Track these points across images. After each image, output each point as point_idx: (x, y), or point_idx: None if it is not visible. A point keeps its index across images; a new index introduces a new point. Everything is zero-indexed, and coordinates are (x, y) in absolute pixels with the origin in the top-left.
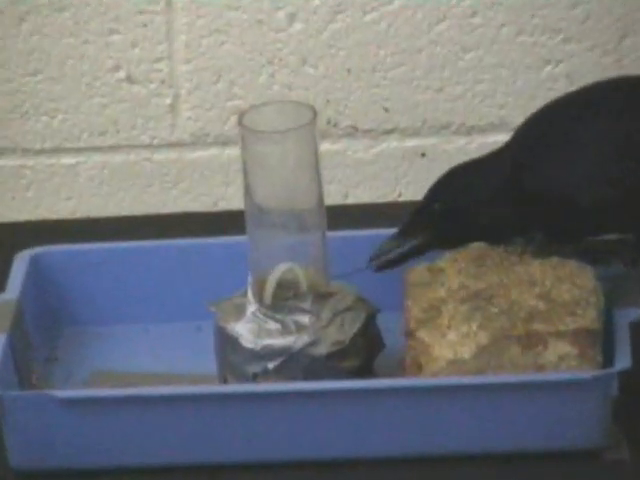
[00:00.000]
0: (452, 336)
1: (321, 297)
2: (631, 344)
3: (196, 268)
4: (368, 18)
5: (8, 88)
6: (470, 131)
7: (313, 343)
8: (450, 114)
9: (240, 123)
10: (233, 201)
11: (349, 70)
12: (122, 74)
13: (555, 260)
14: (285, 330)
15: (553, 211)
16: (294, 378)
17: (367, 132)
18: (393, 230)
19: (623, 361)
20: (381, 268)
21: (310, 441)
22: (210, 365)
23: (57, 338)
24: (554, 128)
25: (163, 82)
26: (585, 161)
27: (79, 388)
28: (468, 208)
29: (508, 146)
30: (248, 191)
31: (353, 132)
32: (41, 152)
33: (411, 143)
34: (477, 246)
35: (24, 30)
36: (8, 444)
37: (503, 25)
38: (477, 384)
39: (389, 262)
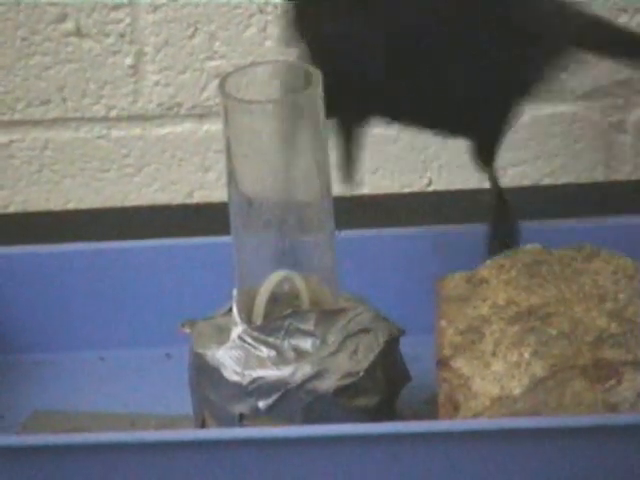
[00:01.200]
0: (498, 366)
1: (328, 315)
2: None
3: (165, 278)
4: None
5: None
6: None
7: (317, 375)
8: None
9: (222, 90)
10: (213, 191)
11: None
12: (70, 25)
13: (631, 267)
14: (281, 358)
15: None
16: (292, 420)
17: None
18: (420, 229)
19: None
20: None
21: None
22: (183, 403)
23: None
24: None
25: (123, 36)
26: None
27: (13, 433)
28: None
29: None
30: (233, 178)
31: None
32: None
33: None
34: (530, 250)
35: None
36: None
37: None
38: (530, 428)
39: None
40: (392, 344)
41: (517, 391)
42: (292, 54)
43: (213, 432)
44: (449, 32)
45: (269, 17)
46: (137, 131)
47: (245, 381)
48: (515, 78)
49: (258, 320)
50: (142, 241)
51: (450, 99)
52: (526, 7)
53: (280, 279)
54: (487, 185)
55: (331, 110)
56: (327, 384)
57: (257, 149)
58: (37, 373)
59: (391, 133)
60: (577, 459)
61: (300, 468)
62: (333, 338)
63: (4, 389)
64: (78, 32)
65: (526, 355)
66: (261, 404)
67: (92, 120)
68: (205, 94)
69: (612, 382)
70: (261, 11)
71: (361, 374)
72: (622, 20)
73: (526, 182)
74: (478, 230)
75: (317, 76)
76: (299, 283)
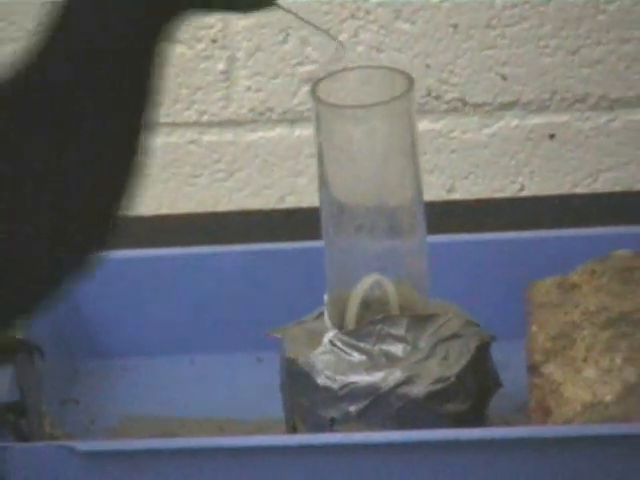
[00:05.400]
0: (590, 372)
1: (419, 320)
2: None
3: (256, 282)
4: None
5: (14, 49)
6: (613, 106)
7: (408, 380)
8: (587, 84)
9: (314, 95)
10: (305, 196)
11: (455, 26)
12: None
13: None
14: (372, 363)
15: None
16: (383, 426)
17: (479, 107)
18: (512, 234)
19: None
20: None
21: None
22: (274, 408)
23: (76, 374)
24: None
25: (214, 41)
26: None
27: (105, 438)
28: None
29: None
30: (324, 183)
31: (461, 107)
32: None
33: (536, 121)
34: (621, 255)
35: None
36: None
37: None
38: (622, 434)
39: None
40: (483, 350)
41: (609, 397)
42: (384, 59)
43: (304, 437)
44: None
45: (361, 22)
46: (229, 136)
47: (336, 386)
48: None
49: (350, 325)
50: (233, 246)
51: None
52: None
53: (372, 284)
54: (579, 190)
55: None
56: (418, 389)
57: (349, 154)
58: (127, 378)
59: (482, 139)
60: None
61: (391, 473)
62: (424, 343)
63: (94, 394)
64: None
65: (618, 361)
66: (352, 409)
67: (184, 125)
68: (297, 99)
69: None
70: (352, 16)
71: (452, 379)
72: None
73: (618, 188)
74: (570, 235)
75: (410, 80)
76: (390, 288)
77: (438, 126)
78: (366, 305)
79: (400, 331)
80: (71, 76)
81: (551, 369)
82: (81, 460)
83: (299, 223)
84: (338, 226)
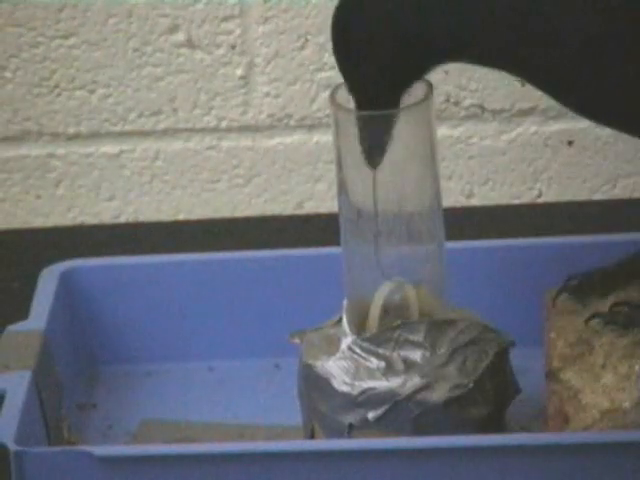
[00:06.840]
0: (608, 378)
1: (437, 326)
2: None
3: (275, 288)
4: None
5: (32, 55)
6: None
7: (427, 387)
8: None
9: (332, 101)
10: (323, 202)
11: None
12: (181, 37)
13: None
14: (390, 369)
15: None
16: (401, 431)
17: (498, 113)
18: (530, 240)
19: None
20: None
21: None
22: (292, 414)
23: (95, 379)
24: None
25: (233, 47)
26: None
27: (123, 443)
28: None
29: None
30: (343, 189)
31: (479, 113)
32: (75, 138)
33: (554, 127)
34: None
35: None
36: None
37: None
38: None
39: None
40: (502, 356)
41: (627, 404)
42: None
43: (322, 443)
44: None
45: None
46: (247, 142)
47: (355, 392)
48: None
49: (372, 330)
50: (251, 252)
51: None
52: None
53: (390, 290)
54: (597, 197)
55: None
56: (436, 395)
57: None
58: (146, 383)
59: (501, 145)
60: None
61: (409, 479)
62: (443, 349)
63: (113, 399)
64: (189, 43)
65: (636, 368)
66: (370, 415)
67: (203, 131)
68: (315, 105)
69: None
70: None
71: (470, 385)
72: None
73: (636, 194)
74: (588, 242)
75: (429, 86)
76: (409, 294)
77: (457, 132)
78: (385, 311)
79: (419, 337)
80: None
81: (569, 375)
82: (99, 465)
83: (317, 229)
84: (357, 232)
